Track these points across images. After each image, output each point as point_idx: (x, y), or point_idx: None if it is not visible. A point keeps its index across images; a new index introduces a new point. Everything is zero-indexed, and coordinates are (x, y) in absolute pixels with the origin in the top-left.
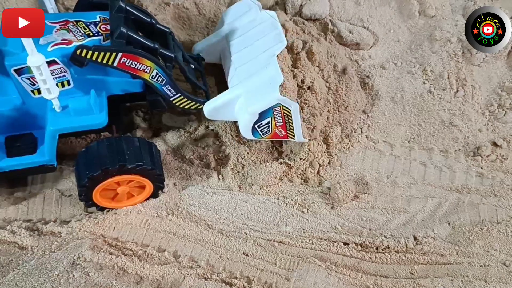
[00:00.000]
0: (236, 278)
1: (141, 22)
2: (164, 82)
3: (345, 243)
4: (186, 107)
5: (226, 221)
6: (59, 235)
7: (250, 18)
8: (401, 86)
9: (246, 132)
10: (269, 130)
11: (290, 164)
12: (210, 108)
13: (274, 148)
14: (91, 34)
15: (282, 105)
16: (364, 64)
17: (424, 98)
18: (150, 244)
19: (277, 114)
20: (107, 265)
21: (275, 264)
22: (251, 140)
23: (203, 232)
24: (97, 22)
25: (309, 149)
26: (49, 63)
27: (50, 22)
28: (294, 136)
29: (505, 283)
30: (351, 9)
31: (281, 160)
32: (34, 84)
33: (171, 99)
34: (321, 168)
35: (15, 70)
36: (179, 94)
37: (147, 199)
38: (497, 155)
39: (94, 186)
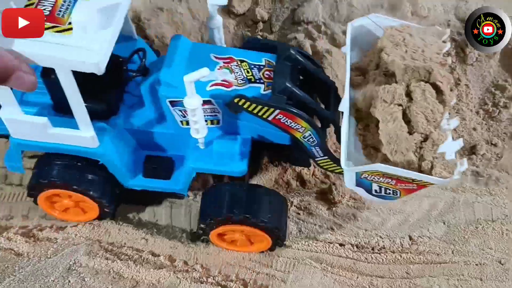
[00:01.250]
0: (231, 281)
1: (307, 71)
2: (314, 143)
3: (340, 244)
4: (330, 169)
5: None
6: (55, 241)
7: None
8: None
9: (377, 202)
10: (395, 191)
11: (285, 167)
12: (345, 180)
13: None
14: (253, 80)
15: (366, 171)
16: None
17: None
18: (145, 248)
19: (375, 178)
20: (103, 270)
21: (271, 267)
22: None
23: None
24: (262, 66)
25: None
26: (204, 102)
27: (215, 56)
28: (427, 182)
29: (500, 281)
30: (344, 11)
31: (277, 163)
32: (184, 116)
33: (316, 159)
34: (316, 169)
35: (170, 101)
36: (326, 157)
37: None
38: (491, 154)
39: (213, 228)
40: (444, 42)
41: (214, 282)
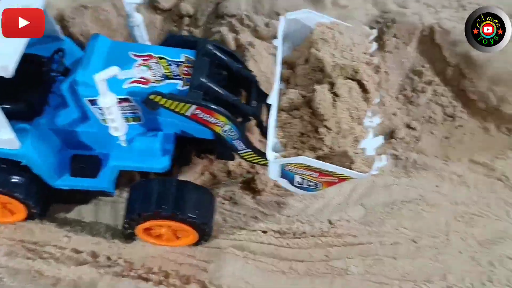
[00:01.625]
0: (154, 273)
1: (228, 67)
2: (236, 137)
3: (263, 231)
4: (254, 161)
5: None
6: None
7: None
8: None
9: (299, 192)
10: (316, 183)
11: (211, 158)
12: (269, 171)
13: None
14: (171, 76)
15: (289, 163)
16: None
17: None
18: (68, 246)
19: (298, 171)
20: (23, 269)
21: (194, 257)
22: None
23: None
24: (180, 63)
25: None
26: (123, 100)
27: (134, 54)
28: (346, 176)
29: (412, 259)
30: (267, 4)
31: (202, 155)
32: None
33: (239, 152)
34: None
35: (88, 100)
36: (249, 150)
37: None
38: (410, 137)
39: (140, 223)
40: (370, 42)
41: (136, 275)
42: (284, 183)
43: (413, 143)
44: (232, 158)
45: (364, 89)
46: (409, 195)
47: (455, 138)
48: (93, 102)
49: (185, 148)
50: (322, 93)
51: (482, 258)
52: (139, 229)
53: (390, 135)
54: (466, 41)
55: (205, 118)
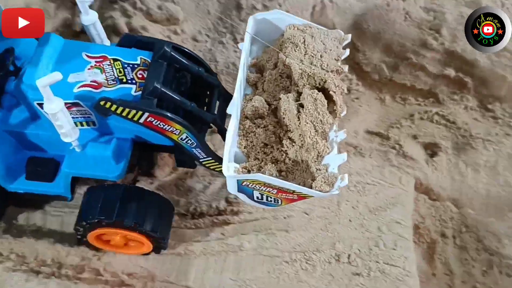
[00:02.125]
0: (47, 265)
1: (189, 71)
2: (194, 145)
3: None
4: (217, 169)
5: None
6: None
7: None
8: (214, 56)
9: (258, 205)
10: (276, 199)
11: None
12: (228, 185)
13: None
14: (124, 80)
15: (246, 179)
16: (176, 39)
17: (236, 66)
18: None
19: (256, 187)
20: None
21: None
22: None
23: None
24: (136, 65)
25: None
26: (73, 104)
27: (87, 55)
28: (306, 194)
29: (304, 230)
30: None
31: None
32: None
33: (200, 160)
34: None
35: (38, 104)
36: (210, 158)
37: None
38: None
39: (91, 230)
40: (344, 48)
41: (28, 269)
42: (242, 197)
43: None
44: (194, 166)
45: (331, 100)
46: None
47: (352, 111)
48: (42, 106)
49: (146, 153)
50: (287, 102)
51: (371, 224)
52: (92, 235)
53: None
54: (356, 14)
55: (160, 126)
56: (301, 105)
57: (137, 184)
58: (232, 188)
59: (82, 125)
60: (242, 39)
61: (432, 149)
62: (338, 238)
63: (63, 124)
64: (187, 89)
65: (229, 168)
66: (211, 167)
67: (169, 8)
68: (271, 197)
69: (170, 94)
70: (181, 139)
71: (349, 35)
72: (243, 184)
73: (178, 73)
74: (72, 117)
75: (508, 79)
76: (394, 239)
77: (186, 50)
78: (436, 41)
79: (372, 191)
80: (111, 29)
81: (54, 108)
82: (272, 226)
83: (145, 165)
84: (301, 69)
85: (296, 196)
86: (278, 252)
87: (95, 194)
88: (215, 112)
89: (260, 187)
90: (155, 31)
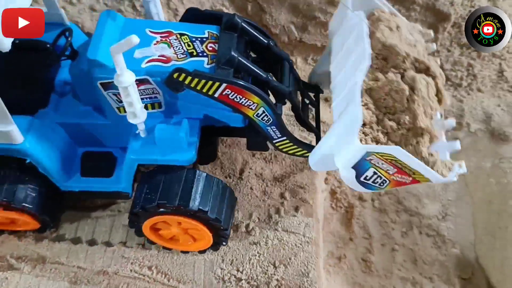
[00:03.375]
0: None
1: (256, 43)
2: (270, 122)
3: None
4: (291, 152)
5: None
6: None
7: (347, 27)
8: None
9: (356, 188)
10: (385, 181)
11: None
12: (314, 160)
13: None
14: (195, 54)
15: (377, 153)
16: (72, 10)
17: None
18: None
19: (378, 163)
20: None
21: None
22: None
23: None
24: (205, 39)
25: None
26: (141, 81)
27: (151, 31)
28: (427, 178)
29: None
30: None
31: None
32: (120, 101)
33: (274, 142)
34: None
35: (101, 84)
36: (284, 138)
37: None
38: None
39: (146, 218)
40: (427, 42)
41: None
42: (348, 175)
43: None
44: (267, 148)
45: (437, 87)
46: None
47: None
48: (107, 87)
49: (209, 141)
50: (395, 83)
51: (275, 190)
52: (146, 227)
53: None
54: None
55: (236, 100)
56: (411, 88)
57: None
58: (351, 162)
59: (147, 108)
60: (142, 6)
61: None
62: (237, 208)
63: (134, 100)
64: (257, 62)
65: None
66: (285, 149)
67: None
68: (381, 178)
69: (248, 64)
70: (257, 115)
71: (431, 31)
72: (368, 158)
73: (248, 46)
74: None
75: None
76: (295, 205)
77: (254, 23)
78: None
79: (279, 157)
80: None
81: (127, 81)
82: None
83: (205, 158)
84: (406, 52)
85: (410, 179)
86: None
87: (153, 178)
88: (291, 88)
89: (382, 164)
90: None
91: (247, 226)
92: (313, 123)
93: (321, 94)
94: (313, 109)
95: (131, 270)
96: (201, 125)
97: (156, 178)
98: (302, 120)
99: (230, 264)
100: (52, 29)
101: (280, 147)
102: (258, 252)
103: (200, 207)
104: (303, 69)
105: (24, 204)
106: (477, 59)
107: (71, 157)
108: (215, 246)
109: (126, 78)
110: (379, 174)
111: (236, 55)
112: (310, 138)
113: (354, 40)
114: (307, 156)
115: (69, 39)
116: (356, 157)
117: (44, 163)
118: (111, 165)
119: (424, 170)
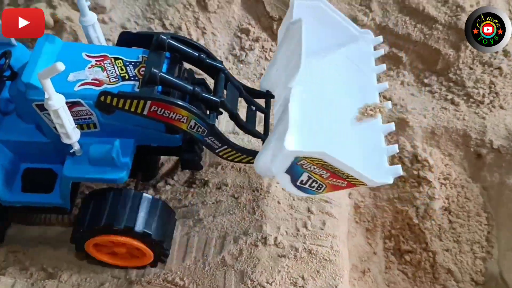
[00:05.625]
0: None
1: (189, 58)
2: (205, 133)
3: None
4: (236, 159)
5: None
6: None
7: (289, 34)
8: None
9: (294, 192)
10: (321, 185)
11: None
12: (258, 166)
13: None
14: (127, 77)
15: (306, 158)
16: (105, 28)
17: None
18: None
19: (310, 168)
20: None
21: None
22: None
23: None
24: (138, 63)
25: None
26: (74, 104)
27: (87, 55)
28: (361, 182)
29: (231, 214)
30: None
31: None
32: None
33: (217, 151)
34: None
35: (36, 105)
36: (225, 146)
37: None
38: None
39: (88, 238)
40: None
41: None
42: (284, 179)
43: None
44: (200, 167)
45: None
46: None
47: None
48: (42, 108)
49: (149, 159)
50: None
51: (301, 205)
52: (88, 244)
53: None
54: None
55: (165, 115)
56: None
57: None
58: (282, 167)
59: (82, 128)
60: (171, 25)
61: None
62: (266, 221)
63: (65, 122)
64: (192, 77)
65: (291, 142)
66: (229, 158)
67: None
68: (317, 182)
69: (171, 78)
70: (190, 127)
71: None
72: (299, 163)
73: (181, 65)
74: (73, 120)
75: (443, 52)
76: (322, 219)
77: (186, 39)
78: (367, 16)
79: None
80: None
81: (56, 104)
82: (200, 211)
83: (148, 171)
84: None
85: (345, 183)
86: (206, 238)
87: (94, 200)
88: (223, 96)
89: (314, 168)
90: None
91: (275, 239)
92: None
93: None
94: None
95: (163, 280)
96: (137, 144)
97: (102, 199)
98: (243, 127)
99: (260, 276)
100: None
101: (224, 156)
102: (286, 265)
103: (145, 230)
104: None
105: None
106: (499, 76)
107: (13, 172)
108: (155, 263)
109: (55, 102)
110: (313, 178)
111: (156, 72)
112: None
113: (293, 48)
114: (252, 162)
115: (7, 61)
116: (287, 162)
117: None
118: (51, 181)
119: (355, 173)
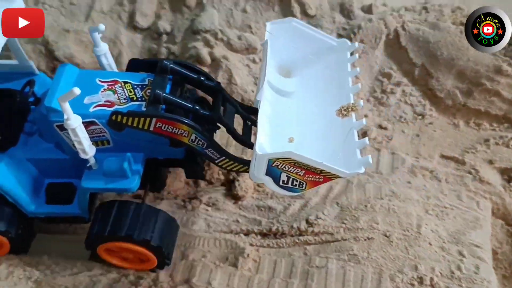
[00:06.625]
0: (142, 278)
1: (191, 80)
2: (205, 145)
3: (245, 234)
4: (234, 169)
5: None
6: None
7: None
8: None
9: (282, 192)
10: (301, 183)
11: None
12: (252, 173)
13: None
14: (135, 99)
15: (277, 159)
16: (255, 67)
17: None
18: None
19: (285, 168)
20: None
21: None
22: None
23: None
24: (144, 86)
25: None
26: (89, 123)
27: (100, 80)
28: (335, 175)
29: (385, 252)
30: (239, 17)
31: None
32: None
33: (216, 161)
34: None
35: (57, 126)
36: (224, 157)
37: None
38: (383, 137)
39: (98, 244)
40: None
41: (126, 282)
42: (268, 182)
43: (385, 142)
44: (203, 177)
45: None
46: (382, 192)
47: (426, 136)
48: (62, 128)
49: (157, 172)
50: None
51: (452, 247)
52: (100, 250)
53: (362, 135)
54: (430, 42)
55: (169, 130)
56: None
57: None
58: (259, 170)
59: (97, 144)
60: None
61: (509, 175)
62: (419, 261)
63: (82, 139)
64: (194, 95)
65: (262, 146)
66: (228, 167)
67: (248, 38)
68: (297, 180)
69: (173, 98)
70: (192, 140)
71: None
72: (273, 164)
73: (183, 86)
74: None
75: None
76: (475, 263)
77: (187, 63)
78: (511, 67)
79: (450, 214)
80: (194, 59)
81: (73, 124)
82: (354, 247)
83: (156, 182)
84: None
85: (322, 178)
86: (362, 273)
87: (106, 210)
88: (220, 113)
89: (289, 168)
90: (235, 60)
91: (431, 279)
92: None
93: None
94: None
95: None
96: (146, 158)
97: (109, 210)
98: (239, 139)
99: None
100: (23, 77)
101: (223, 166)
102: None
103: (145, 237)
104: (466, 132)
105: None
106: None
107: (38, 187)
108: (160, 266)
109: (73, 122)
110: (292, 177)
111: (160, 93)
112: None
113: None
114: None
115: (31, 89)
116: (263, 165)
117: (12, 192)
118: (71, 193)
119: (325, 167)
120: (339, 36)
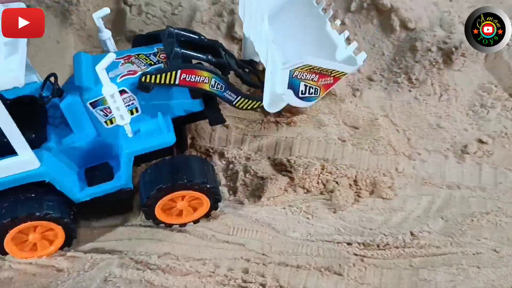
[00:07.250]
0: (251, 282)
1: (192, 42)
2: (223, 88)
3: (348, 243)
4: (249, 107)
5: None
6: (90, 257)
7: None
8: (389, 95)
9: (300, 104)
10: (316, 89)
11: (292, 176)
12: (266, 103)
13: (278, 162)
14: (153, 63)
15: (296, 68)
16: (353, 78)
17: (411, 104)
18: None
19: (303, 76)
20: (135, 279)
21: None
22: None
23: (219, 244)
24: (156, 53)
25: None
26: (120, 92)
27: (115, 58)
28: (342, 73)
29: (496, 268)
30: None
31: (284, 172)
32: (107, 115)
33: (233, 103)
34: (315, 179)
35: (90, 103)
36: (239, 97)
37: (207, 215)
38: (483, 151)
39: (154, 204)
40: None
41: (235, 284)
42: (289, 96)
43: (486, 157)
44: (224, 121)
45: None
46: (487, 207)
47: None
48: (94, 105)
49: (182, 133)
50: None
51: None
52: (157, 209)
53: (462, 150)
54: None
55: (192, 80)
56: None
57: None
58: (282, 85)
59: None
60: (417, 79)
61: None
62: None
63: (120, 105)
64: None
65: (284, 62)
66: (244, 107)
67: None
68: (312, 87)
69: (189, 52)
70: (212, 86)
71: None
72: (293, 75)
73: (185, 44)
74: None
75: None
76: None
77: (185, 28)
78: None
79: None
80: None
81: (112, 90)
82: (462, 261)
83: (181, 143)
84: None
85: (332, 79)
86: (472, 287)
87: (158, 169)
88: (228, 61)
89: (306, 75)
90: None
91: None
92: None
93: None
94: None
95: None
96: (172, 117)
97: (162, 168)
98: (247, 82)
99: None
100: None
101: (240, 106)
102: None
103: (201, 180)
104: None
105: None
106: None
107: (78, 174)
108: (212, 209)
109: (111, 88)
110: (309, 85)
111: (178, 49)
112: None
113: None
114: (262, 106)
115: (56, 82)
116: (286, 78)
117: (59, 179)
118: (109, 171)
119: (334, 65)
120: (439, 49)
